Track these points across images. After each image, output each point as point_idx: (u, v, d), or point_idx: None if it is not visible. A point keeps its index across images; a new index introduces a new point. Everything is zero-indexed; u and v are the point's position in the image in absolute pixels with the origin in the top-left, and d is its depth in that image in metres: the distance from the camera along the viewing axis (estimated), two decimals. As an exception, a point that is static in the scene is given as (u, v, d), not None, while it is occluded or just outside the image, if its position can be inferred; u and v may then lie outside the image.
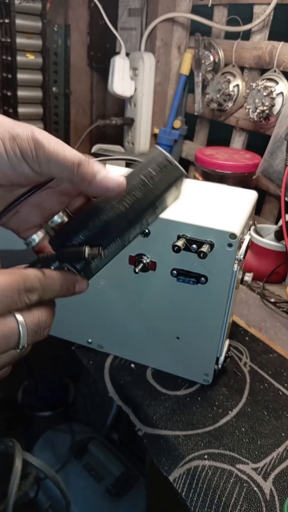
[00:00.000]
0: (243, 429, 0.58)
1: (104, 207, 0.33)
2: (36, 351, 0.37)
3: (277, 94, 0.96)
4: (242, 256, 0.55)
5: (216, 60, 1.12)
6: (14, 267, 0.33)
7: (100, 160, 0.33)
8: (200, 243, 0.52)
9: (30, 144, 0.30)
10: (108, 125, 1.28)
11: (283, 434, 0.58)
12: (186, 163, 1.35)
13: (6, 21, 1.07)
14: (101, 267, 0.36)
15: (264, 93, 0.95)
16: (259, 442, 0.57)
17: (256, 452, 0.55)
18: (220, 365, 0.63)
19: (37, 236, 0.38)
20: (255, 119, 0.99)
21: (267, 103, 0.95)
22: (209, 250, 0.52)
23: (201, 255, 0.51)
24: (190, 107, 1.26)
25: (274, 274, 0.93)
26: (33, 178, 0.32)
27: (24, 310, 0.31)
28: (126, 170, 0.36)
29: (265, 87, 0.95)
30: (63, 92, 1.36)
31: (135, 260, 0.57)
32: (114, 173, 0.32)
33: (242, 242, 0.56)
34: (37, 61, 1.15)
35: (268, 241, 0.92)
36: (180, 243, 0.52)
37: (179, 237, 0.53)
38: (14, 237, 0.38)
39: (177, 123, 1.28)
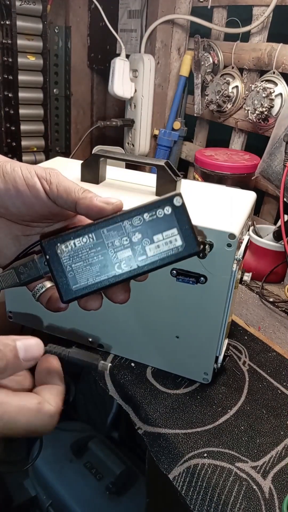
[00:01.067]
0: (242, 427, 0.59)
1: None
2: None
3: (276, 96, 0.96)
4: (241, 256, 0.55)
5: (216, 61, 1.13)
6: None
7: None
8: (199, 243, 0.53)
9: (46, 170, 0.35)
10: (108, 127, 1.28)
11: (282, 433, 0.58)
12: (185, 164, 1.35)
13: (7, 22, 1.08)
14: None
15: (263, 95, 0.95)
16: (258, 440, 0.57)
17: (255, 451, 0.56)
18: (219, 364, 0.63)
19: (44, 286, 0.38)
20: (254, 120, 1.00)
21: (266, 105, 0.96)
22: (209, 250, 0.53)
23: (201, 255, 0.52)
24: (190, 109, 1.26)
25: (273, 274, 0.94)
26: (48, 207, 0.35)
27: None
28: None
29: (264, 89, 0.96)
30: (63, 94, 1.37)
31: (135, 260, 0.58)
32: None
33: (241, 242, 0.57)
34: (37, 63, 1.15)
35: (267, 241, 0.93)
36: (179, 243, 0.53)
37: (178, 238, 0.54)
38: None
39: (177, 125, 1.28)
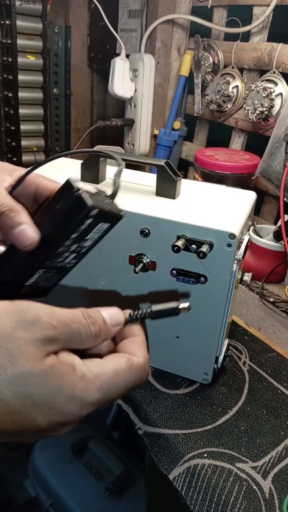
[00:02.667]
0: (242, 428, 0.58)
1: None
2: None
3: (276, 95, 0.96)
4: (241, 256, 0.55)
5: (216, 61, 1.13)
6: None
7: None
8: (199, 243, 0.53)
9: None
10: (108, 126, 1.28)
11: (282, 433, 0.58)
12: (185, 164, 1.35)
13: (7, 22, 1.08)
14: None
15: (263, 94, 0.95)
16: (258, 440, 0.57)
17: (256, 451, 0.55)
18: (219, 364, 0.63)
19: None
20: (254, 120, 1.00)
21: (266, 104, 0.96)
22: (209, 250, 0.52)
23: (201, 255, 0.52)
24: (190, 108, 1.26)
25: (273, 274, 0.94)
26: None
27: None
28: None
29: (264, 88, 0.96)
30: (63, 93, 1.37)
31: (135, 260, 0.58)
32: (32, 230, 0.35)
33: (241, 242, 0.57)
34: (37, 62, 1.15)
35: (267, 241, 0.93)
36: (180, 243, 0.53)
37: (178, 237, 0.54)
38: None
39: (177, 124, 1.28)
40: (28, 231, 0.35)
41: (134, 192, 0.61)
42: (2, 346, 0.27)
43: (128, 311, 0.35)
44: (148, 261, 0.57)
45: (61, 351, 0.30)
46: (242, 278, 0.67)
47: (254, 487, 0.51)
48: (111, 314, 0.33)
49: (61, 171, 0.67)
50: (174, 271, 0.56)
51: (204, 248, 0.52)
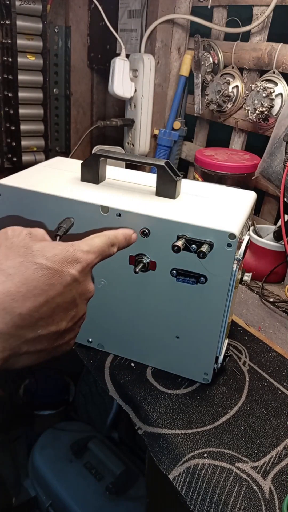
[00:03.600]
0: (242, 428, 0.59)
1: None
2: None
3: (276, 95, 0.96)
4: (241, 256, 0.55)
5: (216, 61, 1.13)
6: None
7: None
8: (199, 243, 0.53)
9: None
10: (109, 126, 1.28)
11: (282, 433, 0.58)
12: (185, 164, 1.35)
13: (7, 22, 1.08)
14: None
15: (263, 94, 0.95)
16: (258, 440, 0.57)
17: (256, 451, 0.55)
18: (219, 364, 0.63)
19: None
20: (254, 120, 1.00)
21: (266, 104, 0.96)
22: (209, 250, 0.52)
23: (201, 255, 0.52)
24: (190, 108, 1.26)
25: (273, 274, 0.94)
26: None
27: None
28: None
29: (264, 88, 0.96)
30: (63, 93, 1.37)
31: (135, 260, 0.58)
32: None
33: (241, 242, 0.57)
34: (37, 62, 1.15)
35: (267, 241, 0.93)
36: (179, 243, 0.53)
37: (178, 237, 0.54)
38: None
39: (177, 124, 1.28)
40: None
41: (134, 192, 0.61)
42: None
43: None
44: (148, 261, 0.57)
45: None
46: (242, 278, 0.67)
47: (254, 487, 0.51)
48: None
49: (61, 171, 0.67)
50: (174, 271, 0.56)
51: (204, 248, 0.52)
